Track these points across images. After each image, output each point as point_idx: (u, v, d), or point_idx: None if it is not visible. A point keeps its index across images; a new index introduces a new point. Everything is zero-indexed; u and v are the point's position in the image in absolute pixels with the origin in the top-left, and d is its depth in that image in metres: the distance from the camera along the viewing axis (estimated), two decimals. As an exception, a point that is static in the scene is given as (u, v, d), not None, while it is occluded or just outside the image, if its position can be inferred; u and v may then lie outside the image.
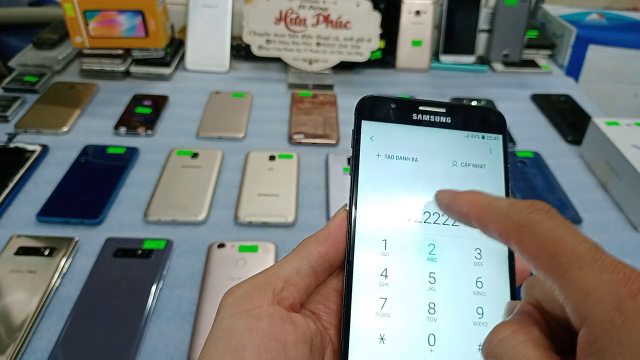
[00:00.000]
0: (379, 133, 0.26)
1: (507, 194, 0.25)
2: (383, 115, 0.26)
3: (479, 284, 0.23)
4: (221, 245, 0.56)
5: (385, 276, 0.23)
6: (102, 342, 0.46)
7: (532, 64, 1.01)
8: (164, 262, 0.54)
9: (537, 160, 0.73)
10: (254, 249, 0.55)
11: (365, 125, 0.26)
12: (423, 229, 0.24)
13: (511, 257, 0.24)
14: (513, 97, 0.90)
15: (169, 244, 0.56)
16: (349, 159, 0.70)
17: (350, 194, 0.24)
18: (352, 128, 0.26)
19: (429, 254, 0.24)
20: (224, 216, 0.61)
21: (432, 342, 0.22)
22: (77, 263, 0.54)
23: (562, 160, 0.74)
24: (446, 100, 0.87)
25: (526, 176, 0.69)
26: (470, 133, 0.26)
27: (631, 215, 0.63)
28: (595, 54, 1.06)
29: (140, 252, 0.55)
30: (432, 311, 0.23)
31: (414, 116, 0.26)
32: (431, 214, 0.24)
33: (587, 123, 0.73)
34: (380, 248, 0.24)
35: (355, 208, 0.24)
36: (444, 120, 0.26)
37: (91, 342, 0.46)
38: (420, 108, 0.26)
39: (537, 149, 0.75)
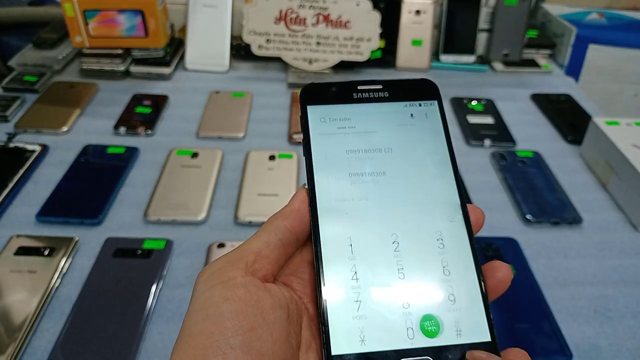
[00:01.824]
0: (325, 114, 0.28)
1: (449, 150, 0.27)
2: (326, 98, 0.28)
3: (440, 242, 0.25)
4: (221, 245, 0.56)
5: (350, 244, 0.24)
6: (102, 342, 0.46)
7: (532, 63, 1.01)
8: (164, 262, 0.54)
9: (537, 160, 0.73)
10: (254, 248, 0.55)
11: (311, 109, 0.28)
12: (379, 192, 0.26)
13: (465, 215, 0.26)
14: (513, 96, 0.90)
15: (168, 243, 0.56)
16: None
17: (308, 171, 0.26)
18: (299, 115, 0.28)
19: (390, 216, 0.25)
20: (223, 216, 0.61)
21: (404, 300, 0.23)
22: (77, 263, 0.54)
23: (562, 160, 0.74)
24: (446, 100, 0.87)
25: (526, 176, 0.69)
26: (408, 103, 0.28)
27: (631, 215, 0.63)
28: (595, 53, 1.06)
29: (140, 252, 0.55)
30: (400, 270, 0.24)
31: (355, 95, 0.28)
32: (385, 176, 0.26)
33: (587, 123, 0.73)
34: (343, 218, 0.25)
35: (313, 182, 0.26)
36: (383, 95, 0.28)
37: (91, 342, 0.46)
38: (359, 87, 0.28)
39: (537, 149, 0.75)
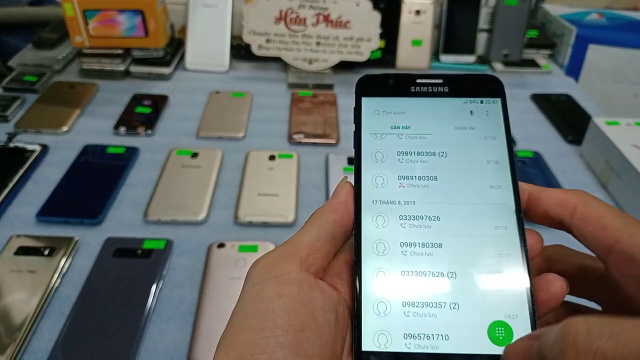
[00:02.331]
0: (379, 107, 0.26)
1: (510, 155, 0.25)
2: (382, 90, 0.27)
3: (490, 250, 0.23)
4: (221, 245, 0.56)
5: (389, 243, 0.24)
6: (102, 342, 0.46)
7: (532, 63, 1.01)
8: (163, 262, 0.54)
9: (537, 160, 0.73)
10: (254, 248, 0.55)
11: (366, 101, 0.26)
12: (428, 198, 0.25)
13: (520, 224, 0.24)
14: (513, 96, 0.90)
15: (168, 243, 0.56)
16: (349, 158, 0.70)
17: (356, 166, 0.25)
18: (354, 106, 0.27)
19: (436, 219, 0.24)
20: (224, 216, 0.61)
21: (453, 306, 0.23)
22: (76, 263, 0.54)
23: (562, 160, 0.74)
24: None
25: (526, 176, 0.69)
26: (469, 99, 0.27)
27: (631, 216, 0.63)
28: (595, 53, 1.06)
29: (140, 252, 0.55)
30: (443, 274, 0.23)
31: (412, 89, 0.27)
32: (437, 181, 0.25)
33: (587, 123, 0.73)
34: (388, 218, 0.24)
35: (360, 179, 0.25)
36: (442, 90, 0.27)
37: (91, 342, 0.46)
38: (418, 81, 0.27)
39: (537, 149, 0.75)
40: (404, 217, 0.24)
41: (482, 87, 0.27)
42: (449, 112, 0.26)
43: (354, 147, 0.26)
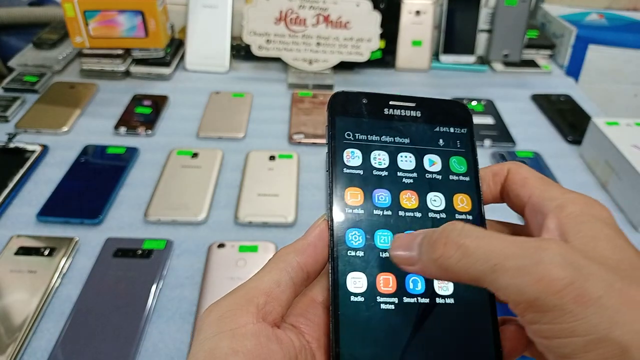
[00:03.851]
0: (353, 129, 0.25)
1: (476, 184, 0.26)
2: (356, 110, 0.26)
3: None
4: (221, 245, 0.56)
5: (371, 285, 0.23)
6: (102, 342, 0.46)
7: (532, 64, 1.01)
8: (163, 262, 0.54)
9: (537, 160, 0.73)
10: (254, 249, 0.55)
11: (339, 121, 0.25)
12: (406, 227, 0.24)
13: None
14: (513, 97, 0.90)
15: (169, 244, 0.56)
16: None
17: (329, 198, 0.24)
18: (325, 124, 0.26)
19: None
20: (224, 216, 0.61)
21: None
22: (77, 263, 0.54)
23: (562, 160, 0.74)
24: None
25: (526, 176, 0.69)
26: (440, 127, 0.26)
27: (631, 215, 0.63)
28: (595, 54, 1.06)
29: (140, 252, 0.55)
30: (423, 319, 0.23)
31: (386, 111, 0.26)
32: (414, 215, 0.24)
33: (587, 123, 0.73)
34: (365, 255, 0.23)
35: (337, 213, 0.24)
36: (414, 114, 0.26)
37: (91, 342, 0.46)
38: (391, 103, 0.26)
39: (537, 149, 0.75)
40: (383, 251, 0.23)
41: (452, 114, 0.27)
42: (422, 139, 0.26)
43: (327, 170, 0.25)
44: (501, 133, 0.79)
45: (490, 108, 0.86)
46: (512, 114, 0.84)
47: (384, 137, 0.26)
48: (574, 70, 1.04)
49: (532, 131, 0.81)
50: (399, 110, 0.26)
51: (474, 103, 0.86)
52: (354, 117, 0.26)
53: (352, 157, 0.25)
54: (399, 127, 0.26)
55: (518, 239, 0.18)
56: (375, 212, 0.24)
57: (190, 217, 0.60)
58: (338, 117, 0.25)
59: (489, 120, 0.82)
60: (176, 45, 0.95)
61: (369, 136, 0.25)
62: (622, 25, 1.13)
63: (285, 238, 0.58)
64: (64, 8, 0.83)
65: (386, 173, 0.25)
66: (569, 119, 0.83)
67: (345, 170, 0.24)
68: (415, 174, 0.25)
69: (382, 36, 0.90)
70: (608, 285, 0.17)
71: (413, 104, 0.27)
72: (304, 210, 0.63)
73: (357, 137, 0.25)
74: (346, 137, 0.25)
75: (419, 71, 0.97)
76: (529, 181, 0.24)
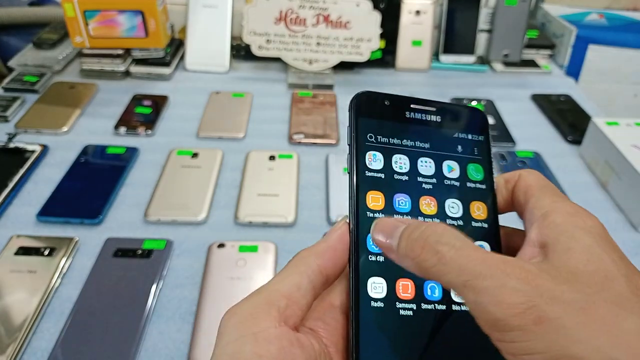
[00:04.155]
0: (375, 131, 0.25)
1: (491, 191, 0.26)
2: (378, 112, 0.26)
3: None
4: (221, 245, 0.56)
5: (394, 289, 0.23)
6: (102, 342, 0.46)
7: (532, 64, 1.01)
8: (163, 262, 0.54)
9: (537, 160, 0.73)
10: (254, 249, 0.55)
11: (362, 122, 0.25)
12: None
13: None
14: (513, 97, 0.90)
15: (168, 244, 0.56)
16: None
17: (350, 201, 0.24)
18: (347, 125, 0.25)
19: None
20: (224, 216, 0.61)
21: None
22: (77, 263, 0.54)
23: (562, 160, 0.74)
24: (446, 100, 0.87)
25: (526, 176, 0.69)
26: (459, 133, 0.26)
27: (631, 215, 0.63)
28: (595, 54, 1.06)
29: (140, 252, 0.55)
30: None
31: (407, 114, 0.26)
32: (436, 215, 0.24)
33: (587, 123, 0.73)
34: (385, 262, 0.23)
35: (358, 217, 0.23)
36: (435, 119, 0.26)
37: (91, 342, 0.46)
38: (412, 106, 0.26)
39: (537, 149, 0.75)
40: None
41: (470, 121, 0.27)
42: (440, 144, 0.26)
43: (349, 171, 0.24)
44: (501, 133, 0.79)
45: (490, 108, 0.86)
46: (512, 114, 0.84)
47: (404, 140, 0.25)
48: (574, 70, 1.04)
49: (532, 131, 0.81)
50: (419, 114, 0.26)
51: (474, 103, 0.86)
52: (376, 119, 0.25)
53: (374, 160, 0.24)
54: (420, 131, 0.26)
55: (490, 257, 0.19)
56: (396, 217, 0.24)
57: (190, 217, 0.60)
58: (361, 118, 0.25)
59: (489, 120, 0.82)
60: (176, 45, 0.95)
61: (390, 139, 0.25)
62: (622, 25, 1.13)
63: (285, 238, 0.58)
64: (64, 8, 0.83)
65: (407, 178, 0.25)
66: (569, 119, 0.83)
67: (367, 174, 0.24)
68: (434, 180, 0.25)
69: (382, 36, 0.90)
70: (569, 305, 0.17)
71: (434, 109, 0.26)
72: (304, 210, 0.63)
73: (379, 140, 0.25)
74: (368, 139, 0.25)
75: (419, 71, 0.97)
76: (530, 189, 0.24)
